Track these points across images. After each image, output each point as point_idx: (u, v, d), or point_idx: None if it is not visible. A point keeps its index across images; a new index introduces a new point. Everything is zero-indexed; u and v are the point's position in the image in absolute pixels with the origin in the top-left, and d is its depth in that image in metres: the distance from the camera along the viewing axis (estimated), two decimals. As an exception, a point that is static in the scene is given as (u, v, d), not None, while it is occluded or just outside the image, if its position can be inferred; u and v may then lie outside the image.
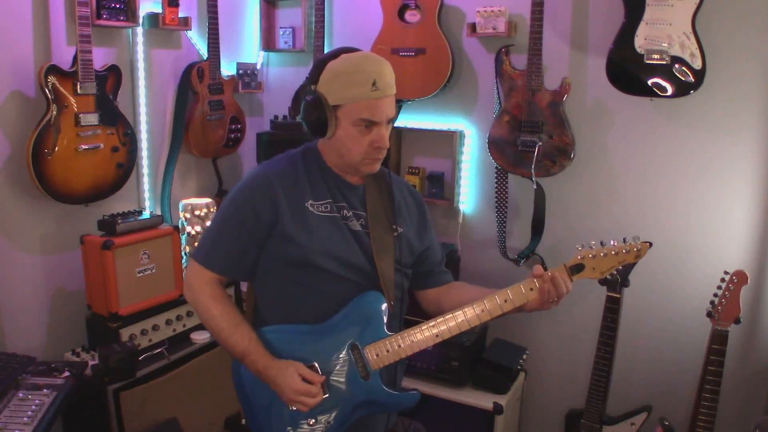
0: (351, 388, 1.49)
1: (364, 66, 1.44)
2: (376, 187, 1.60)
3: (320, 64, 1.48)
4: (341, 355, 1.49)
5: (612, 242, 1.48)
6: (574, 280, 1.48)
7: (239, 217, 1.51)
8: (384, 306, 1.52)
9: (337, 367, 1.49)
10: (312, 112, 1.45)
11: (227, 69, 3.02)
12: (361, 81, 1.41)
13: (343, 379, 1.49)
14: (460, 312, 1.48)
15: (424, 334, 1.49)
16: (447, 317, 1.49)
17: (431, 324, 1.49)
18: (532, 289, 1.48)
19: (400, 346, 1.48)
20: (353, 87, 1.42)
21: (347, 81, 1.43)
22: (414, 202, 1.70)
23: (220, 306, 1.52)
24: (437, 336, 1.49)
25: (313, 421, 1.49)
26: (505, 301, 1.48)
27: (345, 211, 1.54)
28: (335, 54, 1.48)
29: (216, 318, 1.51)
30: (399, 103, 1.54)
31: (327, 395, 1.48)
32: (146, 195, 2.82)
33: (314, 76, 1.47)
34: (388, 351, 1.49)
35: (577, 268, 1.48)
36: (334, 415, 1.49)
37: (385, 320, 1.51)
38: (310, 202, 1.52)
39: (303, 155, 1.58)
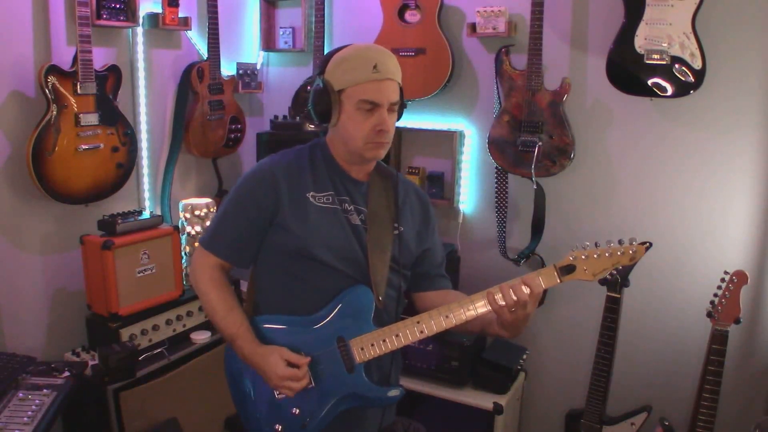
0: (335, 381, 1.51)
1: (366, 52, 1.51)
2: (381, 186, 1.62)
3: (328, 56, 1.55)
4: (328, 348, 1.52)
5: (607, 243, 1.45)
6: (565, 281, 1.45)
7: (242, 206, 1.57)
8: (372, 301, 1.54)
9: (323, 359, 1.51)
10: (318, 98, 1.52)
11: (227, 69, 3.02)
12: (363, 64, 1.48)
13: (328, 371, 1.51)
14: (447, 308, 1.49)
15: (409, 330, 1.49)
16: (432, 313, 1.49)
17: (416, 320, 1.50)
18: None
19: (384, 341, 1.50)
20: (355, 70, 1.48)
21: (350, 65, 1.49)
22: (419, 203, 1.71)
23: (217, 290, 1.58)
24: (422, 332, 1.49)
25: (298, 410, 1.51)
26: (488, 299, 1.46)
27: (346, 205, 1.57)
28: (343, 47, 1.55)
29: (212, 301, 1.57)
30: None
31: (312, 385, 1.50)
32: (146, 195, 2.81)
33: (322, 67, 1.54)
34: (372, 345, 1.50)
35: (567, 269, 1.45)
36: (318, 405, 1.51)
37: (372, 315, 1.54)
38: (312, 193, 1.55)
39: (310, 149, 1.63)
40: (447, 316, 1.48)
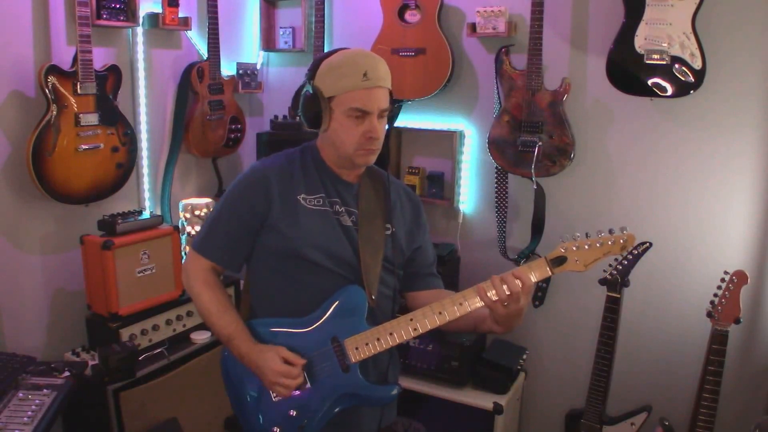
0: (331, 381, 1.52)
1: (357, 59, 1.50)
2: (372, 187, 1.64)
3: (318, 60, 1.55)
4: (323, 348, 1.52)
5: (598, 233, 1.45)
6: (557, 273, 1.44)
7: (234, 209, 1.58)
8: (365, 300, 1.54)
9: (319, 360, 1.52)
10: (309, 104, 1.52)
11: (227, 69, 3.02)
12: (353, 72, 1.47)
13: (324, 372, 1.52)
14: (440, 305, 1.48)
15: (403, 328, 1.49)
16: (425, 310, 1.49)
17: (409, 317, 1.50)
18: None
19: (378, 339, 1.50)
20: (345, 78, 1.48)
21: (340, 72, 1.49)
22: (410, 203, 1.72)
23: (211, 292, 1.59)
24: (415, 329, 1.49)
25: (295, 412, 1.51)
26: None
27: (337, 207, 1.59)
28: (332, 52, 1.55)
29: (206, 303, 1.59)
30: (399, 103, 1.57)
31: (308, 386, 1.51)
32: (146, 195, 2.82)
33: (312, 73, 1.54)
34: (367, 344, 1.50)
35: (558, 261, 1.44)
36: (315, 406, 1.52)
37: (365, 314, 1.54)
38: (303, 195, 1.56)
39: (301, 152, 1.64)
40: (440, 313, 1.47)
